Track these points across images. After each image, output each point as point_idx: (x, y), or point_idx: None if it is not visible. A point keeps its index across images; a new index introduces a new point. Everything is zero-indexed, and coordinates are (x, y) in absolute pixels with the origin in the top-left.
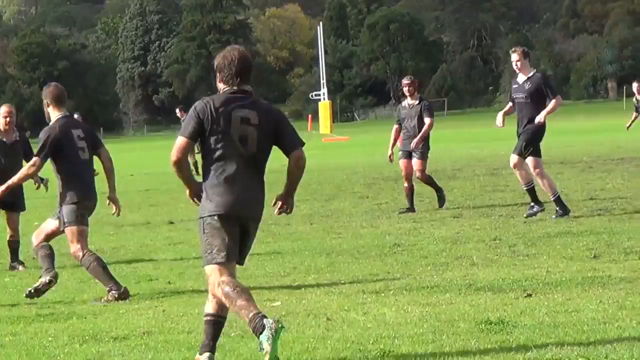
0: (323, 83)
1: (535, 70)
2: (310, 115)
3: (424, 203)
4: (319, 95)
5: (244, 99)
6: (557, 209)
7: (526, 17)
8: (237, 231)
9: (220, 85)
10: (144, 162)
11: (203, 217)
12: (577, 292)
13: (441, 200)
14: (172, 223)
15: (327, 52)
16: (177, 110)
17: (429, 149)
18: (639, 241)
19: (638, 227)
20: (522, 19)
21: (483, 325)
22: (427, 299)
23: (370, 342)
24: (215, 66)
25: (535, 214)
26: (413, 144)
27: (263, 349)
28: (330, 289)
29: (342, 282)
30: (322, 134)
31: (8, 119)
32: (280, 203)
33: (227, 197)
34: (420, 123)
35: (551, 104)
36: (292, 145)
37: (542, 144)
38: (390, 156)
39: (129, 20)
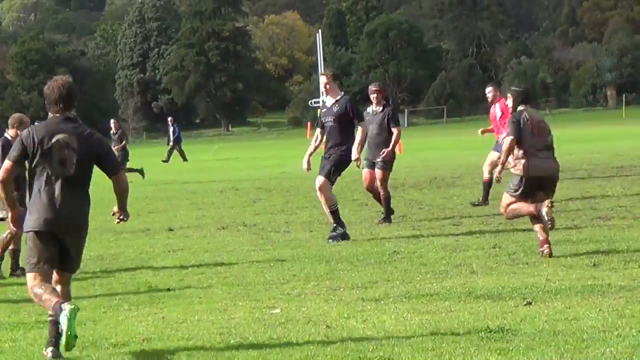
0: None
1: (343, 93)
2: (309, 123)
3: (423, 211)
4: (318, 102)
5: (66, 125)
6: (336, 227)
7: (525, 24)
8: (55, 244)
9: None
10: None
11: (26, 231)
12: (576, 300)
13: (387, 218)
14: (171, 230)
15: (326, 59)
16: (112, 122)
17: (394, 159)
18: (639, 249)
19: (638, 236)
20: (521, 26)
21: (483, 333)
22: (427, 307)
23: (370, 350)
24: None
25: (337, 236)
26: (382, 155)
27: (62, 329)
28: (330, 297)
29: (342, 289)
30: None
31: None
32: (118, 213)
33: (44, 215)
34: (381, 131)
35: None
36: (112, 170)
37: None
38: (357, 160)
39: (128, 27)
